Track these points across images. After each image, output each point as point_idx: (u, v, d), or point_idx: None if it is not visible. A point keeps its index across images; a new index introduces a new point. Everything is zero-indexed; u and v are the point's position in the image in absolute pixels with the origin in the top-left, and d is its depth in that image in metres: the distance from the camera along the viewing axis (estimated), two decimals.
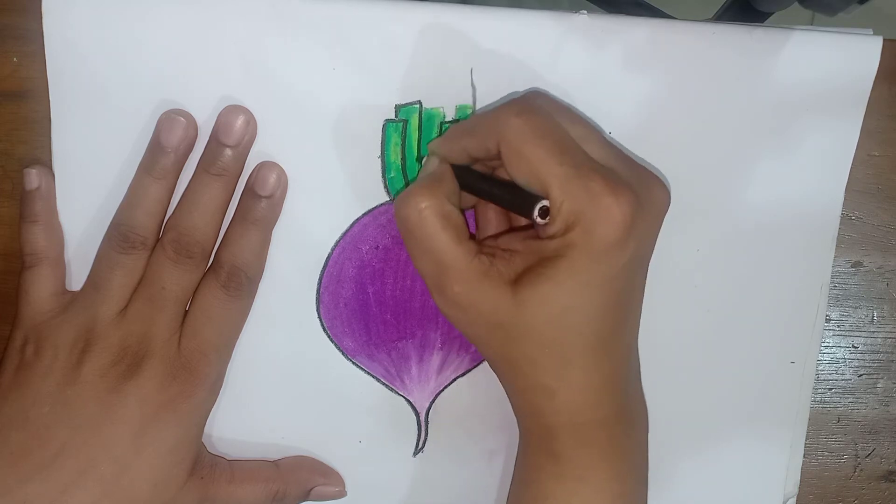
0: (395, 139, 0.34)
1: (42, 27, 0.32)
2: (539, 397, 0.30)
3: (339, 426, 0.36)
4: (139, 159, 0.33)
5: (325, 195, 0.34)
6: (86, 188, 0.33)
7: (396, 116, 0.33)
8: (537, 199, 0.28)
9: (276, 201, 0.33)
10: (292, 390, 0.36)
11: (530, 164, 0.28)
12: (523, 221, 0.33)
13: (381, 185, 0.34)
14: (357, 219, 0.34)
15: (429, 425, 0.37)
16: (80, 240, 0.34)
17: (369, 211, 0.34)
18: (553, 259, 0.28)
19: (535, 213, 0.28)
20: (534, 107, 0.29)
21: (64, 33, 0.32)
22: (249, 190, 0.33)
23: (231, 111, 0.32)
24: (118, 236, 0.32)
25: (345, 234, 0.35)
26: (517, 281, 0.29)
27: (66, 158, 0.33)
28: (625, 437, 0.31)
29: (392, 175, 0.34)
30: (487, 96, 0.33)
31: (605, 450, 0.31)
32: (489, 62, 0.33)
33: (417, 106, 0.33)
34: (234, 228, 0.33)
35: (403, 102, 0.33)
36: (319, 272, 0.35)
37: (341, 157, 0.34)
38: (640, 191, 0.28)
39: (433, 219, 0.29)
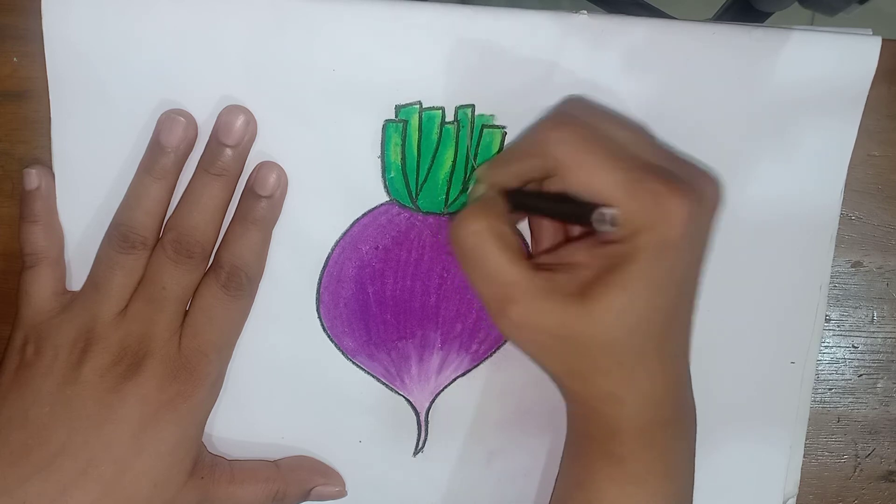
0: (395, 139, 0.34)
1: (42, 27, 0.32)
2: (607, 405, 0.30)
3: (339, 426, 0.36)
4: (139, 159, 0.33)
5: (325, 195, 0.34)
6: (86, 188, 0.33)
7: (396, 117, 0.33)
8: (598, 206, 0.28)
9: (276, 201, 0.33)
10: (292, 390, 0.36)
11: (586, 173, 0.28)
12: (576, 231, 0.32)
13: (381, 186, 0.34)
14: (357, 219, 0.34)
15: (429, 425, 0.37)
16: (80, 240, 0.34)
17: (369, 211, 0.34)
18: (622, 265, 0.28)
19: (606, 219, 0.27)
20: (570, 117, 0.29)
21: (63, 33, 0.32)
22: (249, 190, 0.33)
23: (231, 111, 0.32)
24: (118, 236, 0.32)
25: (345, 234, 0.35)
26: (584, 293, 0.28)
27: (66, 158, 0.33)
28: (681, 438, 0.31)
29: (392, 175, 0.34)
30: (488, 97, 0.33)
31: (664, 451, 0.31)
32: (489, 62, 0.33)
33: (417, 106, 0.33)
34: (234, 228, 0.33)
35: (403, 102, 0.33)
36: (319, 272, 0.35)
37: (341, 157, 0.34)
38: (696, 187, 0.28)
39: (489, 240, 0.29)
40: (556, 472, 0.36)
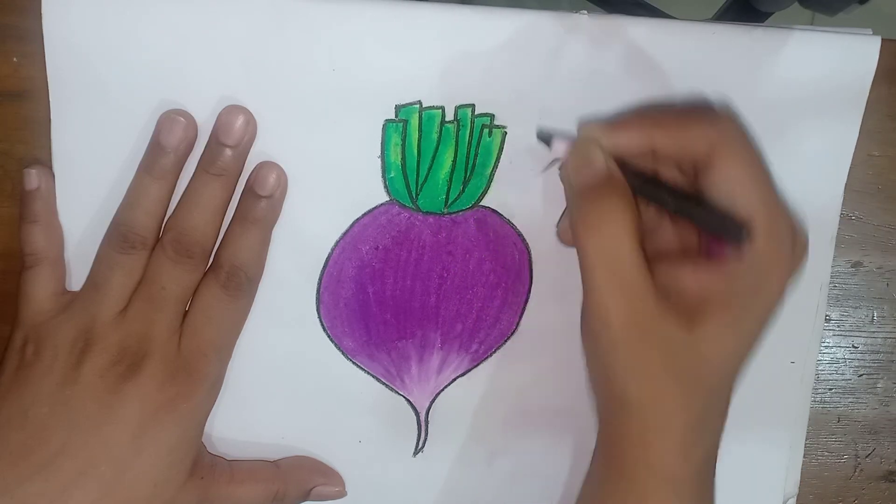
0: (395, 139, 0.34)
1: (42, 27, 0.32)
2: (669, 443, 0.28)
3: (339, 426, 0.36)
4: (139, 159, 0.33)
5: (325, 195, 0.34)
6: (86, 188, 0.33)
7: (396, 116, 0.33)
8: (742, 225, 0.26)
9: (275, 201, 0.33)
10: (292, 390, 0.36)
11: (737, 178, 0.27)
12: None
13: (381, 186, 0.34)
14: (357, 219, 0.34)
15: (429, 425, 0.37)
16: (80, 239, 0.34)
17: (369, 211, 0.34)
18: (739, 297, 0.27)
19: (742, 237, 0.26)
20: (745, 130, 0.28)
21: (63, 33, 0.32)
22: (249, 190, 0.33)
23: (231, 111, 0.32)
24: (118, 236, 0.32)
25: (345, 234, 0.35)
26: (694, 322, 0.27)
27: (66, 158, 0.33)
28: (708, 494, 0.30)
29: (392, 175, 0.34)
30: (488, 97, 0.33)
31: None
32: (489, 62, 0.33)
33: (417, 106, 0.33)
34: (233, 228, 0.33)
35: (403, 102, 0.33)
36: (319, 272, 0.35)
37: (341, 157, 0.34)
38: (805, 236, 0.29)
39: (632, 254, 0.27)
40: (555, 471, 0.36)
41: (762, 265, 0.27)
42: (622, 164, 0.28)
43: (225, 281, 0.32)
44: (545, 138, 0.31)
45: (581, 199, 0.28)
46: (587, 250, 0.28)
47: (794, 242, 0.27)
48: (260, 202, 0.33)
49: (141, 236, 0.32)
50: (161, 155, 0.32)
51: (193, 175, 0.33)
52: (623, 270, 0.27)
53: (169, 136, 0.32)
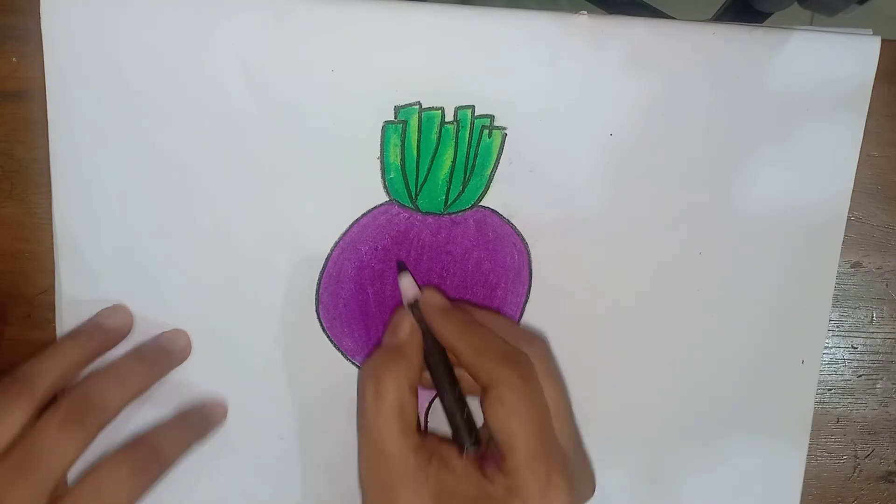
0: (395, 140, 0.34)
1: (41, 27, 0.32)
2: None
3: (338, 426, 0.36)
4: (137, 159, 0.33)
5: (325, 196, 0.34)
6: (83, 188, 0.33)
7: (396, 117, 0.33)
8: (472, 443, 0.30)
9: (205, 428, 0.35)
10: (292, 390, 0.36)
11: (508, 426, 0.28)
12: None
13: (381, 186, 0.34)
14: (356, 219, 0.34)
15: (428, 425, 0.37)
16: (76, 241, 0.34)
17: (368, 212, 0.34)
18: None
19: (465, 451, 0.30)
20: (532, 374, 0.30)
21: (62, 33, 0.32)
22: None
23: (177, 336, 0.34)
24: (9, 379, 0.29)
25: (344, 234, 0.35)
26: None
27: (64, 158, 0.33)
28: None
29: (391, 176, 0.34)
30: (488, 97, 0.33)
31: None
32: (489, 62, 0.33)
33: (416, 107, 0.33)
34: (171, 421, 0.34)
35: (402, 103, 0.33)
36: (319, 273, 0.35)
37: (341, 159, 0.34)
38: (577, 482, 0.30)
39: (390, 408, 0.29)
40: None
41: (517, 495, 0.28)
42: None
43: (134, 462, 0.29)
44: (402, 268, 0.34)
45: (379, 351, 0.32)
46: (358, 387, 0.31)
47: (581, 479, 0.30)
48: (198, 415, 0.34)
49: (34, 387, 0.29)
50: (92, 328, 0.33)
51: (123, 354, 0.33)
52: (377, 427, 0.29)
53: (109, 318, 0.33)
